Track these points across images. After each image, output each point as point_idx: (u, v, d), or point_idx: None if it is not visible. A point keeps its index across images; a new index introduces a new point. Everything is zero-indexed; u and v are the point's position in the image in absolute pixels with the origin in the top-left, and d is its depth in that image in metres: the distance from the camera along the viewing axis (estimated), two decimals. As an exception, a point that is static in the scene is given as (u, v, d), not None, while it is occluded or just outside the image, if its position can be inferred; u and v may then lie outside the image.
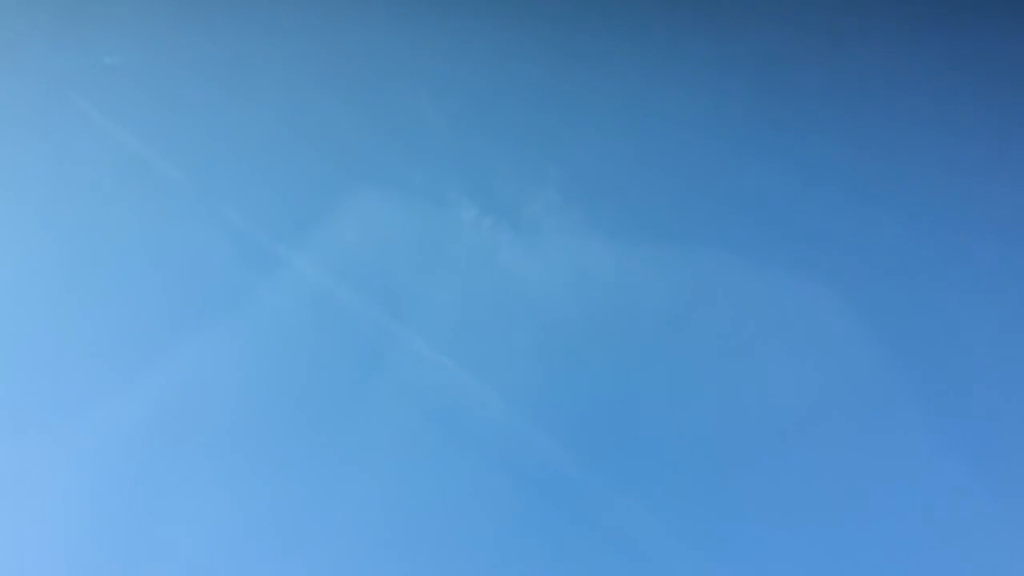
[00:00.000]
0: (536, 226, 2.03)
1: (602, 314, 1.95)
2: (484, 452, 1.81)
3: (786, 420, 1.82)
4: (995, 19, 2.12)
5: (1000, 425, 1.78)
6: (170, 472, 1.78)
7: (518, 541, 1.74)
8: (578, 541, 1.74)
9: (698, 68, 2.15)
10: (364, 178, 2.07)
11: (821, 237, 1.97)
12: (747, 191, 2.03)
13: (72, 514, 1.75)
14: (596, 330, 1.94)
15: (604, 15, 2.22)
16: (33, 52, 2.13)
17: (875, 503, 1.75)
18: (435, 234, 2.03)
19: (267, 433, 1.83)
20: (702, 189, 2.05)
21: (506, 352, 1.92)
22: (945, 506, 1.73)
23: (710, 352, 1.89)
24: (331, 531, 1.75)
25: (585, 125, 2.12)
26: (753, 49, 2.16)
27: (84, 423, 1.80)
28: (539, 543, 1.74)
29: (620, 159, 2.09)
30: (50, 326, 1.89)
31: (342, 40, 2.20)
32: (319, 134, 2.11)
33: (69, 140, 2.05)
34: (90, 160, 2.04)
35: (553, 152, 2.09)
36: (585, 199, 2.05)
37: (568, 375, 1.90)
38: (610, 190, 2.07)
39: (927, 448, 1.78)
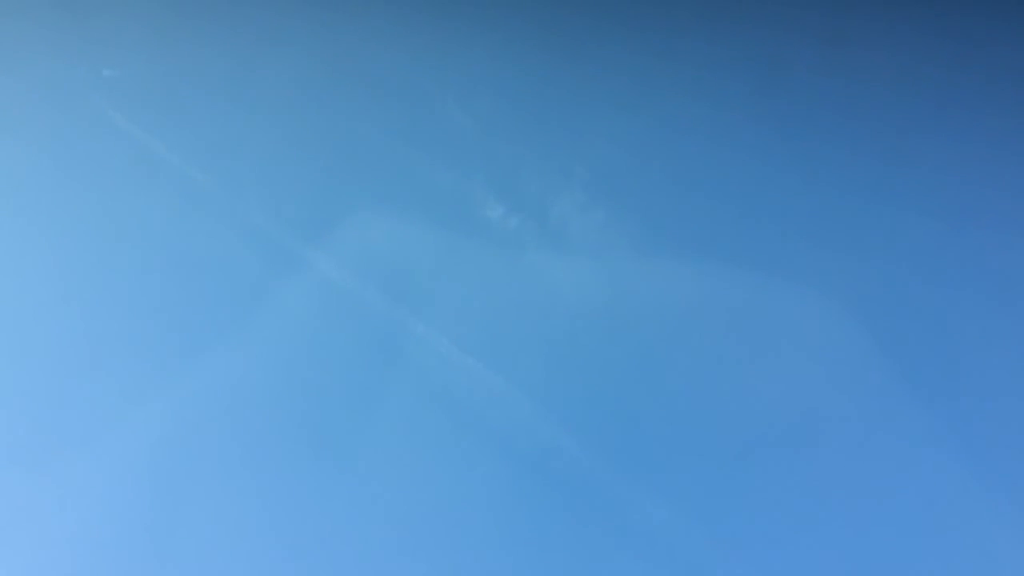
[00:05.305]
0: (562, 225, 2.03)
1: (628, 313, 1.94)
2: (510, 451, 1.80)
3: (801, 419, 1.83)
4: (995, 17, 2.12)
5: (1003, 429, 1.78)
6: (193, 474, 1.78)
7: (542, 541, 1.74)
8: (603, 541, 1.73)
9: (726, 72, 2.15)
10: (389, 177, 2.08)
11: (836, 243, 1.96)
12: (770, 193, 2.02)
13: (97, 519, 1.75)
14: (622, 329, 1.93)
15: (632, 16, 2.22)
16: (53, 62, 2.14)
17: (880, 500, 1.75)
18: (461, 233, 2.03)
19: (291, 435, 1.82)
20: (727, 190, 2.04)
21: (532, 352, 1.92)
22: (947, 509, 1.73)
23: (734, 351, 1.89)
24: (356, 531, 1.74)
25: (611, 124, 2.12)
26: (763, 51, 2.16)
27: (106, 426, 1.80)
28: (563, 543, 1.73)
29: (646, 158, 2.09)
30: (70, 330, 1.89)
31: (367, 40, 2.21)
32: (344, 134, 2.12)
33: (89, 143, 2.06)
34: (111, 163, 2.05)
35: (579, 151, 2.09)
36: (611, 198, 2.05)
37: (594, 375, 1.89)
38: (636, 189, 2.07)
39: (929, 450, 1.78)
